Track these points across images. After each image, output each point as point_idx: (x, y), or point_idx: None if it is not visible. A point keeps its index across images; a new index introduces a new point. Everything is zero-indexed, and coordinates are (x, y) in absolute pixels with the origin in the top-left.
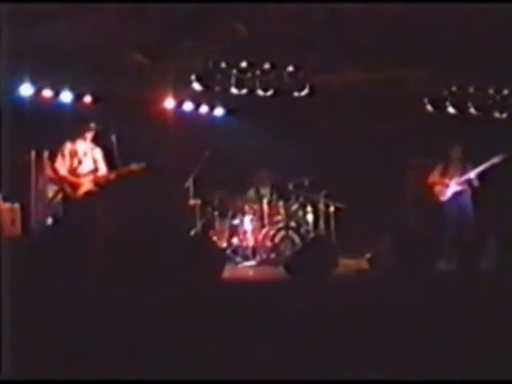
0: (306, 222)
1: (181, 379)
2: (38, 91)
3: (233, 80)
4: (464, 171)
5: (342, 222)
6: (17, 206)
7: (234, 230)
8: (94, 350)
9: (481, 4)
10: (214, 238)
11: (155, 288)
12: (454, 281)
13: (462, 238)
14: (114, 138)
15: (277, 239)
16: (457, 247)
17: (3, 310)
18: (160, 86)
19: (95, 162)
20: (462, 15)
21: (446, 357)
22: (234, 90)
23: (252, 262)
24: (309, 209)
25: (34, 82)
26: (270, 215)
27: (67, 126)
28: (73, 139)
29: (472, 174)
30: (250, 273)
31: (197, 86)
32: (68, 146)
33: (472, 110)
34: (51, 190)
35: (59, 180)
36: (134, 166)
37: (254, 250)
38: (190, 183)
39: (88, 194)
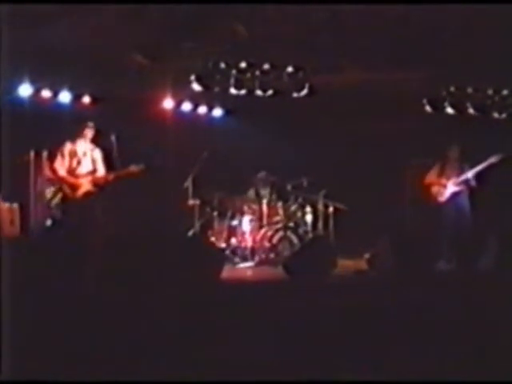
0: (305, 223)
1: (179, 379)
2: (37, 91)
3: (232, 80)
4: (461, 171)
5: (341, 222)
6: (16, 206)
7: (233, 231)
8: (94, 350)
9: (479, 5)
10: (213, 239)
11: (154, 288)
12: (453, 281)
13: (460, 238)
14: (113, 138)
15: (275, 240)
16: (455, 247)
17: (3, 310)
18: (159, 86)
19: (94, 162)
20: (461, 16)
21: (445, 357)
22: (233, 91)
23: (250, 263)
24: (308, 209)
25: (33, 82)
26: (268, 216)
27: (66, 126)
28: (72, 139)
29: (470, 174)
30: (249, 273)
31: (196, 87)
32: (68, 146)
33: (471, 111)
34: (50, 191)
35: (58, 180)
36: (133, 168)
37: (253, 251)
38: (188, 183)
39: (87, 194)
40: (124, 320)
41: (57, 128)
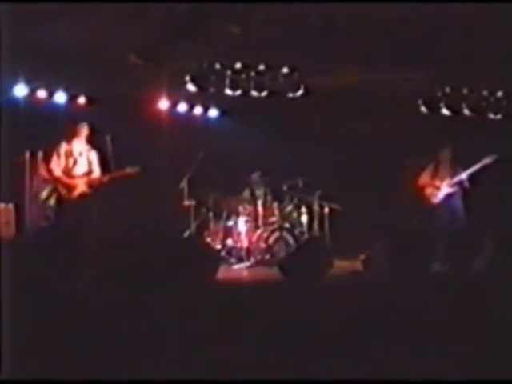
0: (301, 224)
1: (178, 379)
2: (32, 92)
3: (227, 81)
4: (455, 173)
5: (337, 223)
6: (11, 206)
7: (229, 232)
8: (93, 350)
9: (477, 5)
10: (209, 239)
11: (149, 289)
12: (448, 282)
13: (454, 239)
14: (108, 138)
15: (271, 240)
16: (450, 249)
17: (3, 310)
18: (154, 87)
19: (90, 163)
20: (457, 17)
21: (441, 358)
22: (228, 91)
23: (246, 264)
24: (303, 210)
25: (28, 82)
26: (264, 216)
27: (61, 127)
28: (67, 140)
29: (463, 176)
30: (244, 274)
31: (191, 87)
32: (63, 146)
33: (466, 112)
34: (45, 191)
35: (53, 181)
36: (129, 170)
37: (248, 252)
38: (184, 184)
39: (82, 195)
40: (121, 320)
41: (52, 128)
